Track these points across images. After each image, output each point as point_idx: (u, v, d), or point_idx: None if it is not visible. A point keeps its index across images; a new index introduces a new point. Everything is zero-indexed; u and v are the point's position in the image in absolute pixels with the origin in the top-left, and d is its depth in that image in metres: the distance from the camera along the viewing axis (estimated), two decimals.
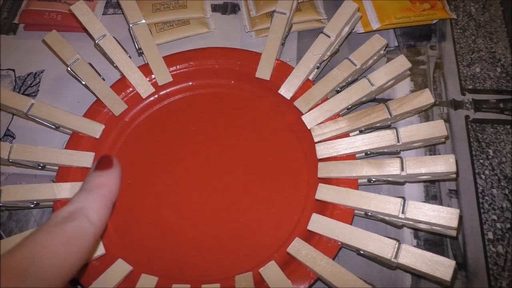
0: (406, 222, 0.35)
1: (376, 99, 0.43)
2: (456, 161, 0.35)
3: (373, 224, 0.38)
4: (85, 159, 0.40)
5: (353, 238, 0.34)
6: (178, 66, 0.44)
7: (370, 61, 0.42)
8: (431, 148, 0.42)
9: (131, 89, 0.43)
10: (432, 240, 0.38)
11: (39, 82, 0.48)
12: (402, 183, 0.38)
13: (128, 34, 0.45)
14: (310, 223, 0.36)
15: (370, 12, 0.47)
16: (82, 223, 0.22)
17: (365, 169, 0.37)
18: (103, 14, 0.52)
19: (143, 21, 0.44)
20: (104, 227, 0.23)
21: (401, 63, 0.39)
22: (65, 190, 0.38)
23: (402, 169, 0.36)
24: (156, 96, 0.44)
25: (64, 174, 0.39)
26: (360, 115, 0.39)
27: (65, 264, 0.21)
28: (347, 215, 0.36)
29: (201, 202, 0.40)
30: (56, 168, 0.40)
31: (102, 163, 0.26)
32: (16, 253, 0.20)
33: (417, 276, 0.36)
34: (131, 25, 0.44)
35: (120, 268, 0.35)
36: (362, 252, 0.34)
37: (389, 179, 0.37)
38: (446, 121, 0.43)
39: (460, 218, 0.33)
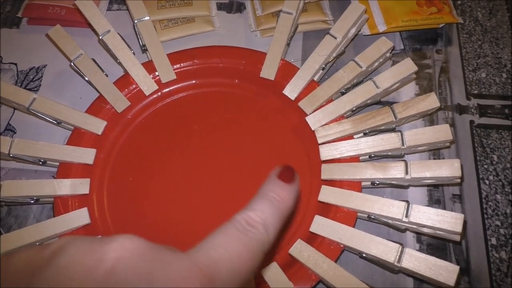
0: (410, 226, 0.35)
1: (381, 102, 0.43)
2: (461, 165, 0.34)
3: (375, 228, 0.38)
4: (87, 155, 0.40)
5: (356, 241, 0.34)
6: (182, 64, 0.44)
7: (376, 64, 0.42)
8: (435, 152, 0.42)
9: (134, 86, 0.43)
10: (435, 244, 0.38)
11: (42, 76, 0.48)
12: (406, 187, 0.38)
13: (133, 30, 0.45)
14: (312, 225, 0.36)
15: (377, 14, 0.46)
16: (264, 237, 0.20)
17: (369, 172, 0.36)
18: (107, 10, 0.51)
19: (148, 17, 0.44)
20: (274, 245, 0.22)
21: (408, 66, 0.39)
22: (65, 186, 0.38)
23: (407, 172, 0.35)
24: (159, 93, 0.44)
25: (65, 170, 0.39)
26: (364, 118, 0.39)
27: (247, 281, 0.19)
28: (350, 217, 0.36)
29: (203, 201, 0.39)
30: (57, 164, 0.39)
31: (287, 175, 0.24)
32: (205, 255, 0.18)
33: (420, 280, 0.36)
34: (135, 22, 0.44)
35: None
36: (364, 255, 0.34)
37: (393, 182, 0.37)
38: (451, 125, 0.42)
39: (464, 223, 0.32)
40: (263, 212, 0.21)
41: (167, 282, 0.16)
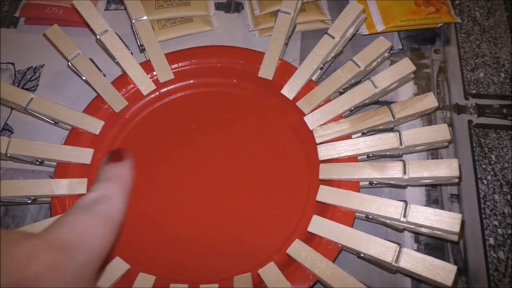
0: (408, 225, 0.35)
1: (379, 101, 0.43)
2: (459, 165, 0.34)
3: (373, 227, 0.38)
4: (84, 155, 0.39)
5: (354, 240, 0.34)
6: (180, 64, 0.44)
7: (374, 63, 0.42)
8: (433, 152, 0.42)
9: (132, 85, 0.43)
10: (433, 244, 0.38)
11: (39, 76, 0.48)
12: (404, 187, 0.38)
13: (130, 30, 0.45)
14: (310, 225, 0.35)
15: (375, 14, 0.46)
16: (110, 208, 0.22)
17: (367, 172, 0.36)
18: (105, 10, 0.51)
19: (146, 17, 0.44)
20: (125, 214, 0.24)
21: (406, 65, 0.39)
22: (63, 186, 0.38)
23: (405, 172, 0.35)
24: (157, 93, 0.44)
25: (62, 170, 0.39)
26: (363, 117, 0.39)
27: (104, 244, 0.21)
28: (348, 217, 0.36)
29: (201, 202, 0.39)
30: (54, 164, 0.39)
31: (115, 156, 0.26)
32: (56, 231, 0.20)
33: (417, 280, 0.36)
34: (133, 21, 0.43)
35: (117, 267, 0.35)
36: (362, 255, 0.34)
37: (391, 182, 0.37)
38: (449, 125, 0.42)
39: (462, 223, 0.32)
40: (105, 189, 0.23)
41: (16, 260, 0.17)
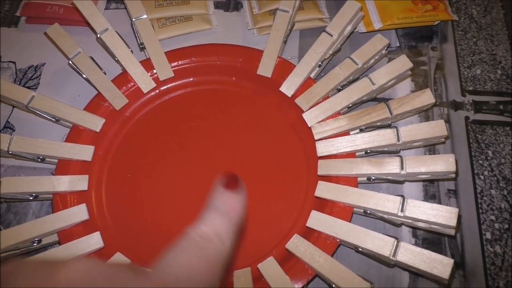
0: (405, 220, 0.35)
1: (377, 98, 0.43)
2: (456, 161, 0.35)
3: (371, 223, 0.38)
4: (85, 152, 0.40)
5: (352, 235, 0.34)
6: (179, 62, 0.44)
7: (372, 61, 0.42)
8: (430, 148, 0.42)
9: (132, 83, 0.43)
10: (430, 239, 0.38)
11: (40, 75, 0.48)
12: (402, 182, 0.38)
13: (130, 29, 0.45)
14: (309, 220, 0.36)
15: (373, 12, 0.47)
16: (221, 249, 0.21)
17: (365, 167, 0.37)
18: (105, 9, 0.52)
19: (146, 16, 0.44)
20: (234, 252, 0.22)
21: (403, 63, 0.40)
22: (64, 183, 0.38)
23: (402, 167, 0.36)
24: (157, 91, 0.44)
25: (63, 167, 0.39)
26: (360, 114, 0.39)
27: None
28: (346, 212, 0.36)
29: (201, 198, 0.39)
30: (56, 161, 0.40)
31: (232, 183, 0.24)
32: (169, 271, 0.18)
33: (415, 274, 0.36)
34: (133, 20, 0.44)
35: (118, 262, 0.35)
36: (360, 249, 0.34)
37: (389, 177, 0.37)
38: (446, 121, 0.43)
39: (459, 217, 0.33)
40: (215, 223, 0.21)
41: None
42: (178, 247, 0.20)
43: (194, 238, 0.20)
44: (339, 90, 0.41)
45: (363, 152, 0.39)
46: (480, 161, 0.41)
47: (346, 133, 0.39)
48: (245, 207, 0.23)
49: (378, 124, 0.40)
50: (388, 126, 0.40)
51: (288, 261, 0.35)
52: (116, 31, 0.43)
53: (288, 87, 0.42)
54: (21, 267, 0.16)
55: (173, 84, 0.45)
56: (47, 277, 0.16)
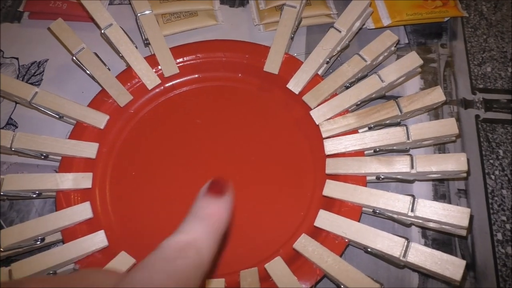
0: (415, 220, 0.34)
1: (386, 96, 0.42)
2: (468, 160, 0.34)
3: (380, 222, 0.38)
4: (89, 149, 0.39)
5: (361, 235, 0.33)
6: (185, 58, 0.44)
7: (381, 58, 0.42)
8: (440, 147, 0.41)
9: (136, 80, 0.43)
10: (440, 239, 0.37)
11: (43, 71, 0.47)
12: (411, 181, 0.38)
13: (135, 24, 0.44)
14: (317, 220, 0.35)
15: (381, 8, 0.46)
16: (195, 261, 0.19)
17: (374, 166, 0.36)
18: (109, 4, 0.51)
19: (151, 11, 0.43)
20: (211, 262, 0.21)
21: (413, 59, 0.39)
22: (68, 180, 0.37)
23: (412, 166, 0.35)
24: (162, 87, 0.44)
25: (67, 164, 0.39)
26: (369, 112, 0.39)
27: None
28: (355, 212, 0.35)
29: None
30: (59, 158, 0.39)
31: (216, 188, 0.23)
32: None
33: (425, 275, 0.36)
34: (138, 15, 0.43)
35: (123, 261, 0.35)
36: (370, 250, 0.34)
37: (398, 176, 0.36)
38: (456, 120, 0.42)
39: (471, 218, 0.32)
40: (195, 232, 0.20)
41: None
42: (147, 261, 0.18)
43: (166, 251, 0.19)
44: (347, 87, 0.41)
45: (372, 151, 0.38)
46: (491, 160, 0.40)
47: (354, 131, 0.39)
48: (231, 212, 0.22)
49: (387, 122, 0.39)
50: (398, 124, 0.39)
51: (296, 261, 0.34)
52: (120, 27, 0.43)
53: (295, 84, 0.41)
54: None
55: (178, 80, 0.44)
56: None
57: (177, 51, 0.43)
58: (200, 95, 0.44)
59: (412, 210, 0.33)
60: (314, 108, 0.40)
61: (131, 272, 0.18)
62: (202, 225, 0.20)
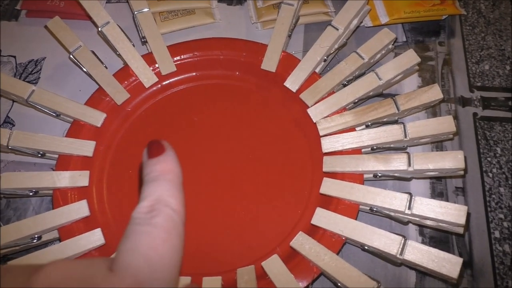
0: (412, 218, 0.34)
1: (383, 94, 0.42)
2: (465, 157, 0.34)
3: (377, 220, 0.37)
4: (86, 147, 0.39)
5: (358, 233, 0.33)
6: (182, 56, 0.44)
7: (378, 55, 0.42)
8: (438, 145, 0.41)
9: (134, 78, 0.43)
10: (437, 237, 0.37)
11: (40, 69, 0.47)
12: (409, 179, 0.38)
13: (132, 23, 0.44)
14: (314, 217, 0.35)
15: (379, 5, 0.46)
16: (168, 214, 0.20)
17: (371, 164, 0.36)
18: (106, 2, 0.51)
19: (148, 9, 0.43)
20: (185, 211, 0.21)
21: (410, 57, 0.39)
22: (65, 178, 0.37)
23: (409, 164, 0.35)
24: (159, 86, 0.44)
25: (64, 162, 0.39)
26: (367, 110, 0.38)
27: (176, 263, 0.19)
28: (352, 210, 0.35)
29: (203, 195, 0.39)
30: (56, 156, 0.39)
31: (154, 149, 0.23)
32: (124, 264, 0.18)
33: (422, 273, 0.36)
34: (135, 13, 0.43)
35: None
36: (367, 247, 0.33)
37: (396, 174, 0.36)
38: (454, 118, 0.42)
39: (468, 215, 0.32)
40: (154, 192, 0.20)
41: None
42: (126, 235, 0.19)
43: (138, 218, 0.19)
44: (344, 85, 0.41)
45: (369, 149, 0.38)
46: (489, 158, 0.40)
47: (352, 129, 0.39)
48: (178, 164, 0.23)
49: (384, 120, 0.39)
50: (395, 122, 0.39)
51: (293, 259, 0.34)
52: (117, 25, 0.42)
53: (292, 82, 0.41)
54: (1, 272, 0.17)
55: (176, 78, 0.44)
56: (22, 282, 0.16)
57: (174, 49, 0.43)
58: (198, 93, 0.44)
59: (409, 208, 0.33)
60: (312, 106, 0.40)
61: (118, 247, 0.19)
62: (159, 184, 0.21)
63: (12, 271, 0.17)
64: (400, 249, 0.32)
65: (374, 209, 0.35)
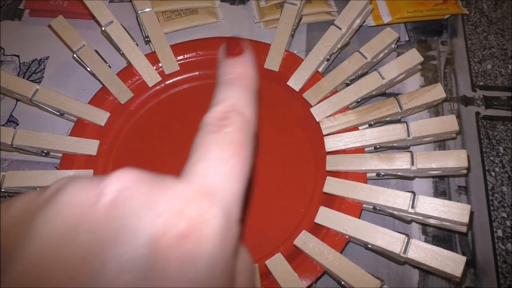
0: (415, 217, 0.35)
1: (386, 93, 0.42)
2: (468, 156, 0.34)
3: (380, 219, 0.38)
4: (90, 146, 0.39)
5: (362, 231, 0.34)
6: (185, 55, 0.44)
7: (381, 55, 0.42)
8: (440, 144, 0.41)
9: (137, 77, 0.43)
10: (440, 236, 0.37)
11: (44, 68, 0.47)
12: (412, 178, 0.38)
13: (135, 22, 0.44)
14: (317, 216, 0.35)
15: (382, 5, 0.46)
16: (241, 124, 0.18)
17: (374, 163, 0.36)
18: (110, 2, 0.51)
19: (151, 8, 0.43)
20: (257, 123, 0.20)
21: (413, 56, 0.39)
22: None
23: (413, 163, 0.35)
24: (163, 85, 0.44)
25: (68, 161, 0.39)
26: (370, 109, 0.39)
27: (245, 176, 0.17)
28: (355, 208, 0.36)
29: None
30: (60, 155, 0.39)
31: (234, 47, 0.21)
32: (192, 173, 0.17)
33: (425, 272, 0.36)
34: (138, 12, 0.43)
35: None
36: (370, 246, 0.34)
37: (399, 173, 0.36)
38: (456, 117, 0.42)
39: (471, 214, 0.32)
40: (230, 98, 0.19)
41: (168, 207, 0.15)
42: (198, 142, 0.18)
43: (210, 125, 0.18)
44: (347, 85, 0.41)
45: (372, 148, 0.38)
46: (491, 157, 0.40)
47: (355, 128, 0.39)
48: (257, 69, 0.21)
49: (387, 119, 0.39)
50: (398, 121, 0.39)
51: (297, 257, 0.35)
52: (121, 24, 0.43)
53: (295, 81, 0.41)
54: (71, 180, 0.16)
55: (179, 78, 0.44)
56: (96, 185, 0.15)
57: (177, 49, 0.43)
58: (201, 92, 0.44)
59: (412, 207, 0.33)
60: (315, 105, 0.40)
61: (190, 157, 0.18)
62: (234, 89, 0.19)
63: (77, 184, 0.16)
64: (403, 248, 0.32)
65: (378, 208, 0.35)
